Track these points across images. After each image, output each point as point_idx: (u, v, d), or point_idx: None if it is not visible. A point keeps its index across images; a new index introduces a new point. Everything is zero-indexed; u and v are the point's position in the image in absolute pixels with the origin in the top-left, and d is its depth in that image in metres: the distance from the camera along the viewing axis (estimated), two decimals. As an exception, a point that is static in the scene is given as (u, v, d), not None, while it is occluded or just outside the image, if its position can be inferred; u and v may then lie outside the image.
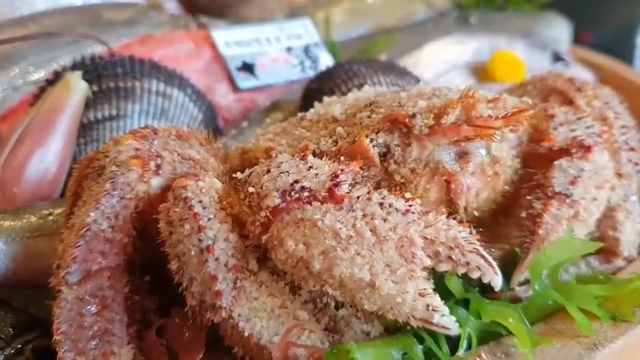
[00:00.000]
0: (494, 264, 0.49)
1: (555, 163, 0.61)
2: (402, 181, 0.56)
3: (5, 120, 0.79)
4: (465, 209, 0.58)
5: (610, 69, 1.38)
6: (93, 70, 0.77)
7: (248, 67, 1.04)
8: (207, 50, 1.03)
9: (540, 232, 0.57)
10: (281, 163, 0.52)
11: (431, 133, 0.54)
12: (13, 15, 1.22)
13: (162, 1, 1.37)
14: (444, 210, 0.52)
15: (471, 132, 0.53)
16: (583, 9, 1.67)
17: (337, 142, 0.55)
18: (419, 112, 0.54)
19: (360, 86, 0.88)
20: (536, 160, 0.62)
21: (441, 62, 1.27)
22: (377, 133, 0.54)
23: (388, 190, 0.54)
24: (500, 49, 1.29)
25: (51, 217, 0.66)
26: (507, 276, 0.58)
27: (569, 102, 0.71)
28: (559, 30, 1.46)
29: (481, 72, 1.26)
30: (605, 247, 0.66)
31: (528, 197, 0.60)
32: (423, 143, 0.54)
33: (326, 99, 0.70)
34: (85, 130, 0.75)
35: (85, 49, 1.04)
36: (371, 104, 0.59)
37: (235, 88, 1.02)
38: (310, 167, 0.51)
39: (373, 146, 0.54)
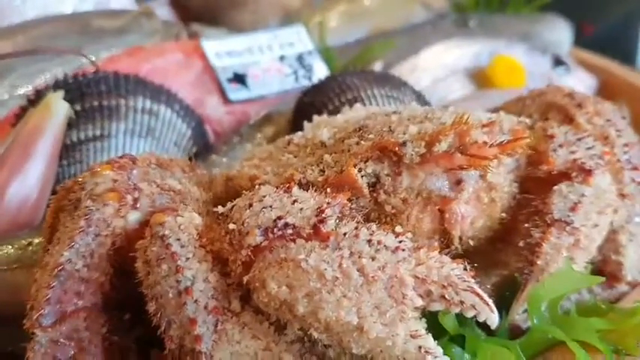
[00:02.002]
0: (490, 301, 0.47)
1: (555, 188, 0.58)
2: (392, 211, 0.53)
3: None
4: (460, 239, 0.55)
5: (611, 71, 1.35)
6: (76, 88, 0.75)
7: (239, 78, 1.01)
8: (198, 61, 1.00)
9: (539, 262, 0.55)
10: (264, 196, 0.49)
11: (422, 161, 0.51)
12: (2, 23, 1.19)
13: (154, 7, 1.35)
14: (436, 245, 0.49)
15: (464, 161, 0.50)
16: (584, 0, 1.64)
17: (324, 172, 0.52)
18: (409, 140, 0.51)
19: (353, 100, 0.85)
20: (535, 184, 0.59)
21: (439, 67, 1.24)
22: (366, 162, 0.52)
23: (378, 222, 0.51)
24: (500, 53, 1.26)
25: (30, 248, 0.64)
26: (507, 303, 0.56)
27: (569, 119, 0.68)
28: (560, 32, 1.43)
29: (480, 77, 1.23)
30: (608, 271, 0.63)
31: (526, 225, 0.57)
32: (414, 172, 0.52)
33: (316, 119, 0.68)
34: (68, 151, 0.73)
35: (73, 61, 1.02)
36: (360, 129, 0.56)
37: (226, 100, 0.99)
38: (295, 201, 0.48)
39: (362, 176, 0.51)
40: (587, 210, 0.57)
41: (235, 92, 0.98)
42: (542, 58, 1.31)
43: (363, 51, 1.25)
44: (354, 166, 0.51)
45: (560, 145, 0.61)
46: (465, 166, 0.50)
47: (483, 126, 0.54)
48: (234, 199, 0.52)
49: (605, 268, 0.63)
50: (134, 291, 0.51)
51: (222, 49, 1.01)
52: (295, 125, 0.89)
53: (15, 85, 0.99)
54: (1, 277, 0.62)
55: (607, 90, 1.31)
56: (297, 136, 0.61)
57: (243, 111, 1.00)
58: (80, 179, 0.53)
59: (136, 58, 0.97)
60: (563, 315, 0.55)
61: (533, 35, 1.42)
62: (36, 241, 0.64)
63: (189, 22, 1.31)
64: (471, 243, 0.56)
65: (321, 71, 1.09)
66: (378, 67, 1.19)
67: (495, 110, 0.77)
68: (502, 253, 0.60)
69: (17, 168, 0.66)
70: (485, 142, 0.52)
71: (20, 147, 0.67)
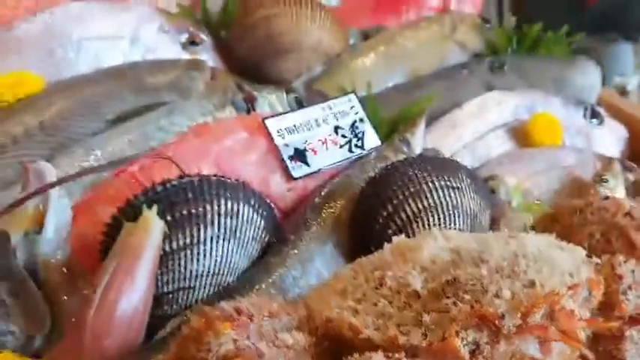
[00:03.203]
0: None
1: (627, 334, 0.64)
2: (488, 374, 0.59)
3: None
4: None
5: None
6: (165, 198, 0.80)
7: (300, 154, 1.07)
8: (261, 140, 1.05)
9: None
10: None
11: (518, 331, 0.57)
12: (58, 76, 1.24)
13: (199, 51, 1.39)
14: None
15: (557, 337, 0.56)
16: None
17: (426, 335, 0.59)
18: (507, 311, 0.57)
19: (416, 193, 0.91)
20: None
21: (481, 123, 1.29)
22: (466, 330, 0.58)
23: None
24: (538, 107, 1.31)
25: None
26: None
27: (632, 247, 0.74)
28: (591, 77, 1.49)
29: (519, 133, 1.29)
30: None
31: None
32: (510, 340, 0.58)
33: (396, 242, 0.73)
34: (160, 261, 0.78)
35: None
36: (453, 282, 0.62)
37: (288, 177, 1.05)
38: (405, 372, 0.54)
39: (464, 345, 0.57)
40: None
41: (297, 169, 1.04)
42: (576, 110, 1.36)
43: (406, 108, 1.30)
44: (456, 333, 0.57)
45: (629, 287, 0.66)
46: (557, 340, 0.56)
47: (569, 288, 0.60)
48: (337, 346, 0.58)
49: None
50: None
51: (282, 125, 1.06)
52: (360, 216, 0.95)
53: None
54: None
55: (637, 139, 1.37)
56: (389, 277, 0.67)
57: (304, 186, 1.06)
58: (203, 340, 0.59)
59: (204, 139, 1.02)
60: None
61: (566, 80, 1.48)
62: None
63: (239, 77, 1.35)
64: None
65: (371, 139, 1.14)
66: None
67: (554, 217, 0.83)
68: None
69: (123, 289, 0.72)
70: (572, 312, 0.58)
71: (124, 268, 0.72)
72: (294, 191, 1.05)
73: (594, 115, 1.35)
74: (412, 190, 0.91)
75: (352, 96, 1.16)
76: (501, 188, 1.10)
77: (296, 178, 1.04)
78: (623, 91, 2.99)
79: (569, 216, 0.81)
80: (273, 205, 0.99)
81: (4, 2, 1.37)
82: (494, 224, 1.02)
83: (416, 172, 0.92)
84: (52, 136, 1.15)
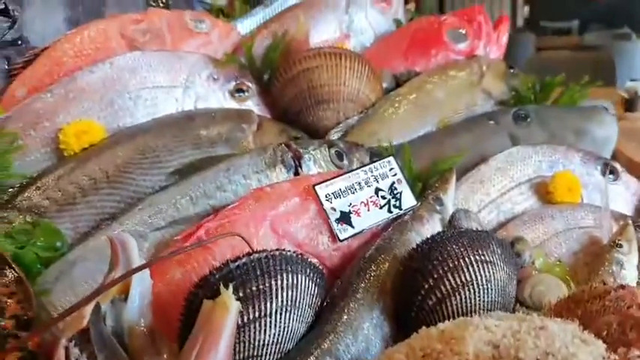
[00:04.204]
0: None
1: None
2: None
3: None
4: None
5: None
6: (238, 276, 0.92)
7: (345, 217, 1.18)
8: (311, 205, 1.17)
9: None
10: None
11: None
12: (116, 124, 1.35)
13: (246, 98, 1.50)
14: None
15: None
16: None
17: None
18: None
19: (454, 268, 1.03)
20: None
21: (507, 179, 1.40)
22: None
23: None
24: (560, 164, 1.41)
25: None
26: None
27: (646, 339, 0.86)
28: (609, 128, 1.59)
29: (541, 190, 1.41)
30: None
31: None
32: None
33: (445, 331, 0.85)
34: (233, 333, 0.90)
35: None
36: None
37: (335, 239, 1.16)
38: None
39: None
40: None
41: (343, 232, 1.15)
42: (595, 166, 1.47)
43: (438, 162, 1.41)
44: None
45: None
46: None
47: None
48: None
49: None
50: None
51: (330, 191, 1.17)
52: (403, 287, 1.07)
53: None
54: None
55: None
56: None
57: (348, 245, 1.18)
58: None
59: (261, 204, 1.14)
60: None
61: (585, 131, 1.59)
62: None
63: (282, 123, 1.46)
64: None
65: (408, 199, 1.26)
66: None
67: (576, 301, 0.95)
68: None
69: (208, 364, 0.84)
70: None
71: (209, 344, 0.84)
72: (340, 250, 1.16)
73: (611, 171, 1.46)
74: (451, 265, 1.02)
75: (391, 159, 1.28)
76: (526, 251, 1.21)
77: (342, 240, 1.15)
78: (634, 96, 3.09)
79: (589, 302, 0.93)
80: (321, 267, 1.11)
81: (66, 51, 1.48)
82: (519, 286, 1.14)
83: (454, 247, 1.04)
84: (117, 189, 1.26)
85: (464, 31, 1.81)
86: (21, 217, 1.21)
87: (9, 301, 0.98)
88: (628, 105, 3.31)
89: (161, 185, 1.29)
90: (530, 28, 11.48)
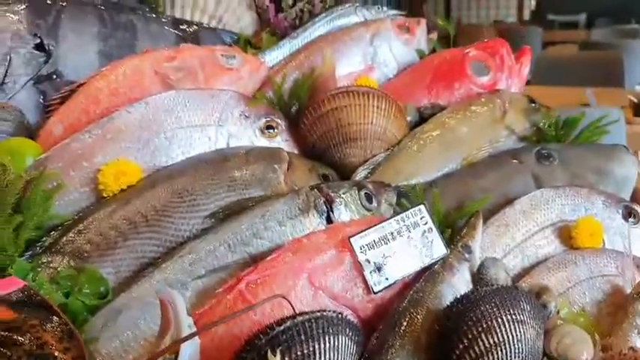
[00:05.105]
0: None
1: None
2: None
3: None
4: None
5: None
6: (284, 341, 0.96)
7: (379, 269, 1.23)
8: (347, 256, 1.21)
9: None
10: None
11: None
12: (152, 163, 1.40)
13: (276, 134, 1.54)
14: None
15: None
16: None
17: None
18: None
19: (487, 329, 1.08)
20: None
21: (531, 223, 1.44)
22: None
23: None
24: (582, 208, 1.45)
25: None
26: None
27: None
28: (629, 168, 1.63)
29: (564, 235, 1.45)
30: None
31: None
32: None
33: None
34: (280, 395, 0.95)
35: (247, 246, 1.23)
36: None
37: (369, 291, 1.21)
38: None
39: None
40: None
41: (377, 284, 1.20)
42: (616, 210, 1.51)
43: (464, 206, 1.46)
44: None
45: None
46: None
47: None
48: None
49: None
50: None
51: (364, 242, 1.21)
52: (438, 346, 1.11)
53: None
54: None
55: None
56: None
57: (381, 297, 1.22)
58: None
59: (298, 256, 1.18)
60: None
61: (605, 171, 1.63)
62: None
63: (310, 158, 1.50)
64: None
65: (438, 247, 1.30)
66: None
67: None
68: None
69: None
70: None
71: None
72: (373, 302, 1.21)
73: (632, 214, 1.50)
74: (484, 326, 1.07)
75: (422, 208, 1.32)
76: (552, 302, 1.26)
77: (376, 293, 1.19)
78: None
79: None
80: (357, 320, 1.16)
81: (101, 89, 1.52)
82: (546, 338, 1.19)
83: (487, 307, 1.08)
84: (157, 233, 1.31)
85: (487, 64, 1.84)
86: (65, 261, 1.24)
87: (64, 357, 1.02)
88: (637, 109, 3.34)
89: (198, 228, 1.32)
90: (537, 21, 11.47)
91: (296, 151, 1.61)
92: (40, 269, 1.23)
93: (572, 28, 10.87)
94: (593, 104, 3.22)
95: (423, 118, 1.76)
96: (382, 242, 1.25)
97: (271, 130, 1.58)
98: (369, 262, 1.22)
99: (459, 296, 1.14)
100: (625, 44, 6.68)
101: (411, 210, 1.32)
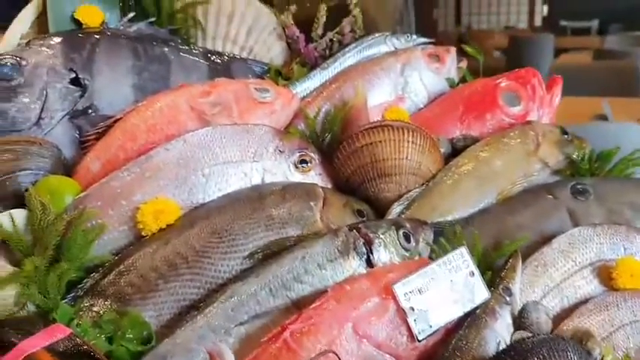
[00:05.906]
0: None
1: None
2: None
3: None
4: None
5: None
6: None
7: (423, 316, 1.22)
8: (391, 304, 1.21)
9: None
10: None
11: None
12: (189, 201, 1.40)
13: (310, 169, 1.54)
14: None
15: None
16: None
17: None
18: None
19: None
20: None
21: (570, 263, 1.43)
22: None
23: None
24: (621, 247, 1.44)
25: None
26: None
27: None
28: (665, 204, 1.61)
29: (604, 275, 1.43)
30: None
31: None
32: None
33: None
34: None
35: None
36: None
37: (413, 339, 1.20)
38: None
39: None
40: None
41: (422, 332, 1.19)
42: (655, 247, 1.50)
43: (501, 245, 1.45)
44: None
45: None
46: None
47: None
48: None
49: None
50: None
51: (408, 289, 1.21)
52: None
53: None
54: None
55: None
56: None
57: (425, 344, 1.21)
58: None
59: (342, 305, 1.17)
60: None
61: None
62: None
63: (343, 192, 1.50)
64: None
65: (480, 291, 1.29)
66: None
67: None
68: None
69: None
70: None
71: None
72: (417, 350, 1.21)
73: (670, 252, 1.49)
74: (531, 367, 1.06)
75: (463, 250, 1.31)
76: (597, 348, 1.25)
77: (421, 341, 1.19)
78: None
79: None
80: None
81: (138, 125, 1.52)
82: (591, 386, 1.18)
83: (532, 347, 1.08)
84: (197, 275, 1.30)
85: (518, 95, 1.83)
86: (106, 304, 1.24)
87: (114, 409, 1.02)
88: (653, 122, 3.32)
89: (237, 269, 1.32)
90: (549, 27, 11.44)
91: (329, 185, 1.61)
92: (82, 312, 1.23)
93: (585, 34, 10.84)
94: (609, 116, 3.19)
95: (455, 150, 1.75)
96: (425, 288, 1.24)
97: (305, 165, 1.57)
98: (412, 309, 1.22)
99: (505, 346, 1.14)
100: (639, 52, 6.64)
101: (452, 253, 1.31)
